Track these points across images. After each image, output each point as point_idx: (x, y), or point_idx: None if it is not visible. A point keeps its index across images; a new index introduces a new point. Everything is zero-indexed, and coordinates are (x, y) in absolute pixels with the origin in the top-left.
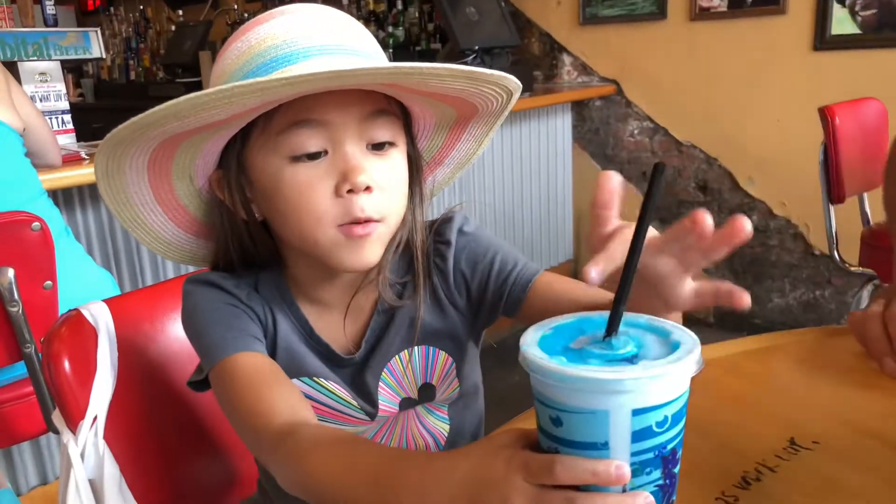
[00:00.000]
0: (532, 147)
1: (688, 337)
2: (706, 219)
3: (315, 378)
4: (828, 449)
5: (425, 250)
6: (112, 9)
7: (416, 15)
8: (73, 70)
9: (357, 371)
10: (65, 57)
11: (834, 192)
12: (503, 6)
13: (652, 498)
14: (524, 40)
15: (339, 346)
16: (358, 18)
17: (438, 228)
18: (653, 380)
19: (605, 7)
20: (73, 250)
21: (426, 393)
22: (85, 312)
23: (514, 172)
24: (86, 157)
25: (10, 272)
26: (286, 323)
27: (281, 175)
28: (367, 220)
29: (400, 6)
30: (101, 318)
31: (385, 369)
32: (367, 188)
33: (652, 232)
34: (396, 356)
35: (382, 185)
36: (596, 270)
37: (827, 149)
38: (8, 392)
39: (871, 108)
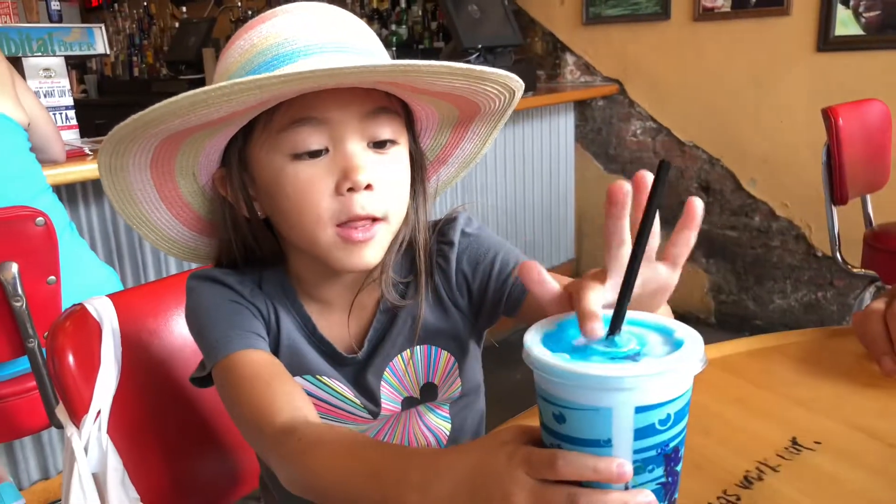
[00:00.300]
0: (534, 146)
1: (691, 335)
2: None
3: (318, 376)
4: (830, 449)
5: (428, 250)
6: (116, 5)
7: (420, 13)
8: (77, 66)
9: (359, 370)
10: (69, 53)
11: (837, 193)
12: (506, 5)
13: (653, 496)
14: (527, 39)
15: (342, 344)
16: (361, 16)
17: (442, 228)
18: (656, 377)
19: (608, 7)
20: (76, 246)
21: (428, 392)
22: (89, 307)
23: (516, 171)
24: (89, 152)
25: (14, 267)
26: (289, 321)
27: (282, 173)
28: (368, 219)
29: (403, 4)
30: (105, 313)
31: (387, 368)
32: (368, 186)
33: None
34: (398, 355)
35: (383, 183)
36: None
37: (830, 150)
38: (10, 387)
39: (874, 109)
